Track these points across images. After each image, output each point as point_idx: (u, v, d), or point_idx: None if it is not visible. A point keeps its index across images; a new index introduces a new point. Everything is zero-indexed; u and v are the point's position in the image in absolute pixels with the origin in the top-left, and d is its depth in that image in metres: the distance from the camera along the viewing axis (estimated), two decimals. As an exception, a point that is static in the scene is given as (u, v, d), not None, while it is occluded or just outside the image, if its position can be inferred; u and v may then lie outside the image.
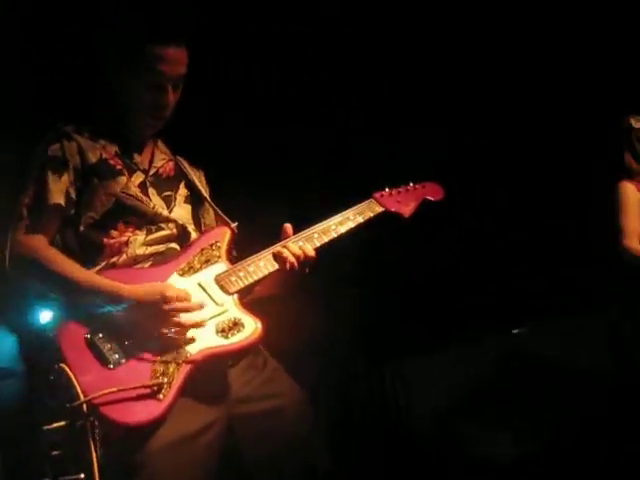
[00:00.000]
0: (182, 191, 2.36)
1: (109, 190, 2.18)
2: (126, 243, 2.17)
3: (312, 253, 2.22)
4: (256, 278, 2.18)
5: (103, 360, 1.99)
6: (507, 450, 4.51)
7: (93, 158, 2.20)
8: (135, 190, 2.22)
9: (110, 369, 1.98)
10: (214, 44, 3.82)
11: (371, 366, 4.97)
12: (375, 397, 4.95)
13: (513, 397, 4.71)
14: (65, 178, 2.17)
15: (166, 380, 1.96)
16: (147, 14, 2.19)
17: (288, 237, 2.24)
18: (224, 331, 2.06)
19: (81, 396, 1.92)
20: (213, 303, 2.12)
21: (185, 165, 2.42)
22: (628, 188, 3.83)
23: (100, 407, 1.91)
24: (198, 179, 2.43)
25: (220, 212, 2.38)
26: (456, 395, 4.82)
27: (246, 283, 2.17)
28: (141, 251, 2.18)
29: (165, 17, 2.19)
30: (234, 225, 2.33)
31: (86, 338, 2.02)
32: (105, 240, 2.17)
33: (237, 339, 2.05)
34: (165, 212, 2.25)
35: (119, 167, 2.23)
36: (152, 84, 2.19)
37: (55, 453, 4.31)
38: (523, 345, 4.91)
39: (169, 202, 2.29)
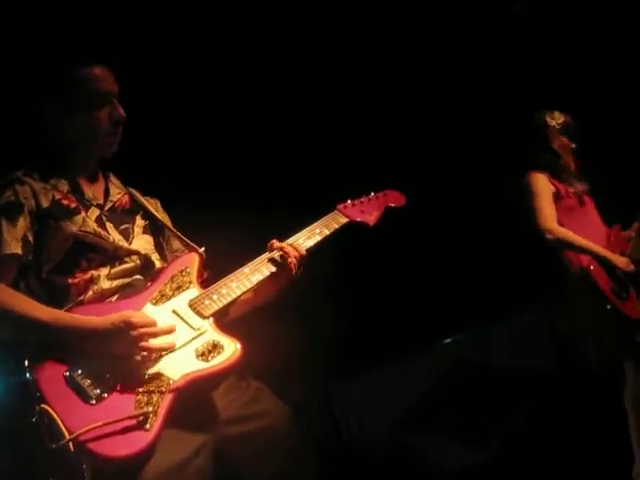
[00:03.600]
0: (139, 222, 2.37)
1: (67, 230, 2.17)
2: (91, 280, 2.16)
3: (304, 251, 2.31)
4: (229, 300, 2.21)
5: (85, 396, 1.96)
6: (459, 459, 4.56)
7: (46, 201, 2.19)
8: (93, 226, 2.21)
9: (93, 404, 1.95)
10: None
11: (317, 384, 4.95)
12: (324, 415, 4.93)
13: (460, 406, 4.78)
14: (21, 223, 2.14)
15: (151, 409, 1.94)
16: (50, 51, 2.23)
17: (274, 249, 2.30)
18: (204, 355, 2.07)
19: (66, 434, 1.88)
20: (189, 328, 2.13)
21: (139, 196, 2.44)
22: (539, 178, 3.82)
23: (87, 443, 1.88)
24: (155, 208, 2.45)
25: (184, 238, 2.40)
26: (406, 408, 4.86)
27: (220, 305, 2.19)
28: (107, 285, 2.18)
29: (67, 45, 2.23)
30: (201, 250, 2.34)
31: (65, 376, 1.99)
32: (69, 280, 2.15)
33: (218, 361, 2.06)
34: (125, 244, 2.26)
35: (73, 205, 2.22)
36: (99, 104, 2.22)
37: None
38: (465, 353, 5.00)
39: (127, 234, 2.30)
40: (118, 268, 2.20)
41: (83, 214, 2.21)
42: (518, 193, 3.85)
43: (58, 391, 1.97)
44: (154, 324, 2.05)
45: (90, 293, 2.15)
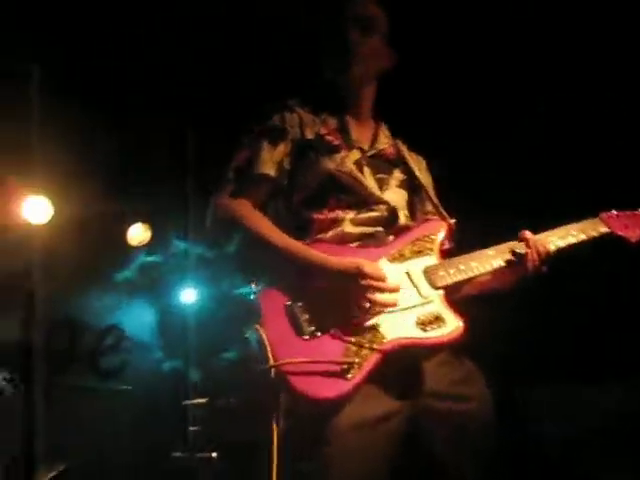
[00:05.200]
0: (397, 175, 2.31)
1: (324, 166, 2.17)
2: (335, 220, 2.15)
3: (551, 249, 2.16)
4: (465, 277, 2.11)
5: (299, 330, 1.97)
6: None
7: (310, 133, 2.21)
8: (350, 167, 2.19)
9: (304, 339, 1.96)
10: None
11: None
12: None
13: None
14: (281, 148, 2.18)
15: (357, 360, 1.91)
16: None
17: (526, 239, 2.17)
18: (424, 324, 1.99)
19: (270, 360, 1.91)
20: (417, 294, 2.07)
21: (404, 150, 2.38)
22: None
23: (288, 375, 1.90)
24: (417, 166, 2.38)
25: (439, 205, 2.32)
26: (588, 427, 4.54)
27: (454, 280, 2.10)
28: (349, 229, 2.15)
29: None
30: (452, 222, 2.25)
31: (286, 306, 2.01)
32: (315, 215, 2.16)
33: (435, 334, 1.98)
34: (378, 193, 2.22)
35: (336, 143, 2.22)
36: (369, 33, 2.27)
37: (193, 429, 4.40)
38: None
39: (382, 184, 2.25)
40: (364, 215, 2.17)
41: (343, 153, 2.21)
42: None
43: (275, 318, 2.00)
44: (383, 279, 2.00)
45: (331, 233, 2.14)
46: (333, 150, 2.20)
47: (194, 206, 5.82)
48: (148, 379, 6.10)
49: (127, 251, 6.13)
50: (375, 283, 1.98)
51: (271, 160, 2.15)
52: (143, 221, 6.12)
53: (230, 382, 4.70)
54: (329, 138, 2.21)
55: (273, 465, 1.91)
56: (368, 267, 1.98)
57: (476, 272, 2.12)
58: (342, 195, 2.16)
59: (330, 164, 2.17)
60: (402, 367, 1.99)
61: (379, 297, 1.98)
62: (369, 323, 1.98)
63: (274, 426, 1.92)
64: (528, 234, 2.17)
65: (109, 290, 6.35)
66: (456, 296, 2.13)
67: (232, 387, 4.56)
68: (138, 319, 6.60)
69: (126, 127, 5.06)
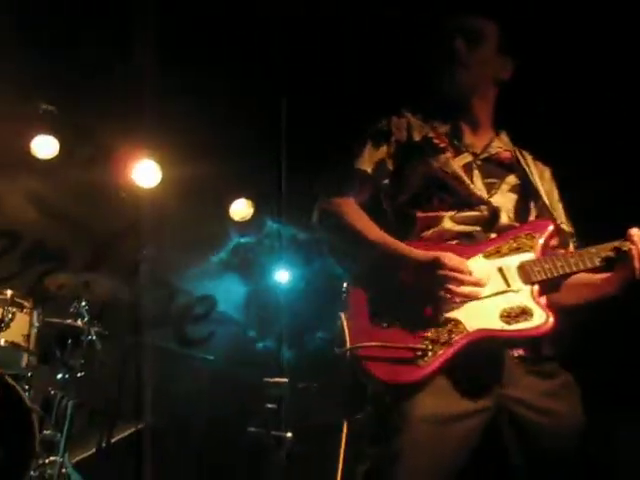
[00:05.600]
0: (510, 179, 2.28)
1: (428, 166, 2.22)
2: (436, 218, 2.18)
3: None
4: (561, 272, 2.03)
5: (378, 318, 2.01)
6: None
7: (418, 136, 2.28)
8: (454, 168, 2.22)
9: (383, 327, 1.99)
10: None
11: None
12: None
13: None
14: (383, 149, 2.27)
15: (432, 348, 1.91)
16: None
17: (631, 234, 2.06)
18: (509, 317, 1.94)
19: (347, 344, 1.96)
20: (506, 287, 2.01)
21: (526, 157, 2.35)
22: None
23: (362, 359, 1.94)
24: (539, 174, 2.33)
25: (555, 210, 2.26)
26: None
27: (549, 275, 2.02)
28: (448, 227, 2.17)
29: None
30: (558, 222, 2.18)
31: (369, 295, 2.06)
32: (418, 214, 2.21)
33: (520, 327, 1.92)
34: (484, 195, 2.21)
35: (442, 145, 2.26)
36: None
37: (271, 406, 4.41)
38: None
39: (491, 187, 2.24)
40: (464, 214, 2.17)
41: (448, 155, 2.24)
42: None
43: (357, 305, 2.05)
44: (464, 272, 1.98)
45: (431, 231, 2.17)
46: (438, 151, 2.25)
47: (288, 188, 5.86)
48: (232, 353, 6.21)
49: (228, 225, 6.23)
50: (454, 274, 1.96)
51: (370, 159, 2.25)
52: (247, 197, 6.20)
53: (314, 365, 4.71)
54: (435, 141, 2.27)
55: (341, 450, 1.92)
56: (448, 259, 1.97)
57: (574, 268, 2.03)
58: (444, 194, 2.20)
59: (434, 164, 2.22)
60: (485, 367, 1.95)
61: (459, 289, 1.96)
62: (449, 315, 1.96)
63: (348, 411, 1.92)
64: (635, 230, 2.05)
65: (206, 261, 6.49)
66: (555, 305, 2.03)
67: (316, 370, 4.57)
68: (230, 294, 6.73)
69: (228, 97, 5.10)
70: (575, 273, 2.05)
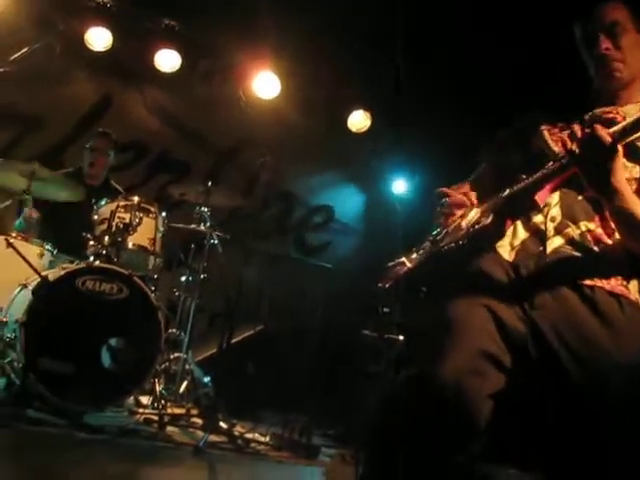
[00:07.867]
0: None
1: None
2: None
3: (603, 136, 1.77)
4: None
5: None
6: None
7: None
8: None
9: None
10: None
11: None
12: None
13: None
14: None
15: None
16: None
17: None
18: None
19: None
20: None
21: None
22: None
23: None
24: None
25: None
26: None
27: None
28: None
29: None
30: None
31: None
32: None
33: None
34: None
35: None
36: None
37: (385, 310, 4.46)
38: None
39: None
40: None
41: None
42: None
43: None
44: None
45: None
46: None
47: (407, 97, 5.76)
48: (348, 261, 6.28)
49: (346, 136, 6.21)
50: None
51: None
52: (365, 108, 6.15)
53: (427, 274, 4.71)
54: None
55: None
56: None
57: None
58: None
59: None
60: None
61: None
62: None
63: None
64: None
65: (325, 172, 6.53)
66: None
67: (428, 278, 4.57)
68: (348, 203, 6.77)
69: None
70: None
